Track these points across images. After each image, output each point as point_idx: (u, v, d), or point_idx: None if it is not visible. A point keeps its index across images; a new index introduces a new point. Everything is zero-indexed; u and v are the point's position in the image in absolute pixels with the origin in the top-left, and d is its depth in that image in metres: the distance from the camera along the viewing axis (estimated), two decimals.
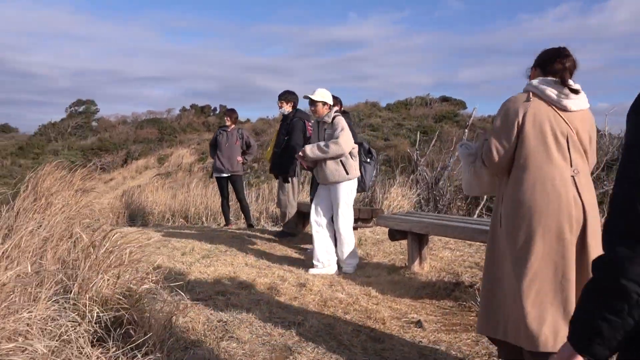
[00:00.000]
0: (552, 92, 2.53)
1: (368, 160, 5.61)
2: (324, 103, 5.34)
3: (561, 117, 2.51)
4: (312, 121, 6.10)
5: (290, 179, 6.81)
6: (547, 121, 2.49)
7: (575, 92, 2.55)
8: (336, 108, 5.46)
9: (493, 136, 2.60)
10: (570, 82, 2.57)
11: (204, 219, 9.91)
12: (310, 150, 5.21)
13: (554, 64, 2.59)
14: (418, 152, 10.85)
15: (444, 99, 36.66)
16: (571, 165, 2.49)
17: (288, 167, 6.75)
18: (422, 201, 10.23)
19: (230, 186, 8.42)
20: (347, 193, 5.33)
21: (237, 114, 8.50)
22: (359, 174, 5.40)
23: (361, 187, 5.52)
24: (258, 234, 7.37)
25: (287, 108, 6.91)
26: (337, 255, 5.33)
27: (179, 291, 3.59)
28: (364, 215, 6.21)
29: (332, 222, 5.41)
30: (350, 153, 5.27)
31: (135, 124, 43.67)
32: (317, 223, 5.36)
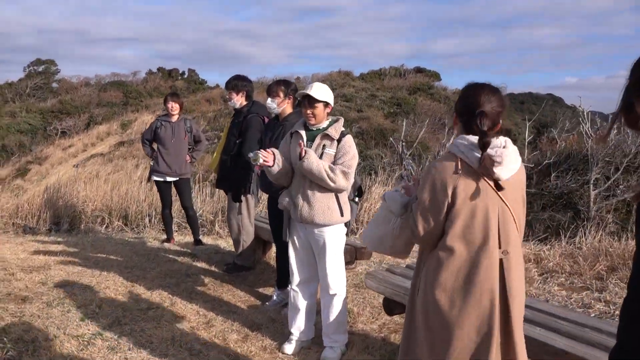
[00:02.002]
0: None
1: (356, 199, 3.79)
2: (326, 104, 3.51)
3: (493, 189, 2.17)
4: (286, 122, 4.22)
5: (243, 196, 4.94)
6: (478, 198, 2.16)
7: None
8: (340, 120, 3.63)
9: (419, 210, 2.22)
10: (496, 141, 2.17)
11: (147, 221, 7.97)
12: (315, 162, 3.37)
13: (475, 119, 2.16)
14: (404, 143, 9.00)
15: (419, 70, 34.82)
16: (500, 247, 2.17)
17: (242, 181, 4.87)
18: None
19: (174, 191, 6.54)
20: (339, 240, 3.56)
21: (183, 101, 6.52)
22: (349, 217, 3.60)
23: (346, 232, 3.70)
24: (204, 265, 5.46)
25: (239, 100, 4.98)
26: (322, 326, 3.59)
27: None
28: (345, 258, 4.37)
29: (315, 279, 3.64)
30: None
31: (98, 86, 40.72)
32: (301, 291, 3.65)
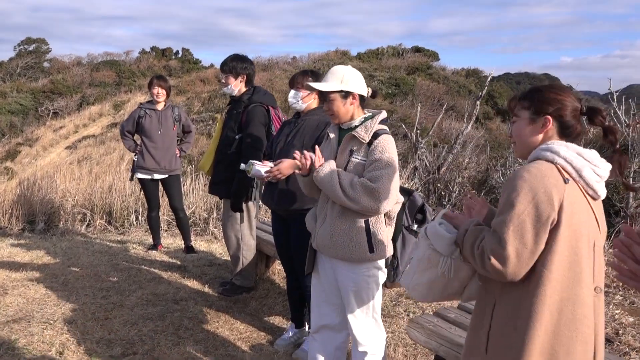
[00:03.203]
0: (590, 173, 1.66)
1: (415, 227, 2.78)
2: (346, 94, 2.49)
3: (592, 210, 1.68)
4: (301, 119, 3.23)
5: (244, 203, 3.95)
6: (584, 218, 1.65)
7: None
8: (377, 115, 2.58)
9: (510, 227, 1.60)
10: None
11: (133, 218, 6.97)
12: (328, 174, 2.41)
13: (604, 135, 1.76)
14: (419, 130, 7.96)
15: (417, 50, 33.56)
16: (594, 281, 1.66)
17: (242, 185, 3.87)
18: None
19: (162, 190, 5.55)
20: (372, 285, 2.56)
21: (170, 85, 5.46)
22: (391, 252, 2.61)
23: (389, 275, 2.71)
24: (196, 284, 4.45)
25: (238, 85, 3.96)
26: None
27: None
28: None
29: (344, 322, 2.66)
30: (386, 213, 2.51)
31: (91, 65, 39.20)
32: (322, 341, 2.71)
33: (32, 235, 6.39)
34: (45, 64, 39.90)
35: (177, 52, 42.26)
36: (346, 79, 2.50)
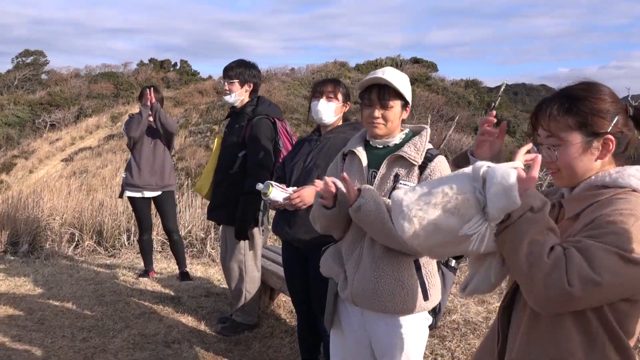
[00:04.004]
0: None
1: (452, 263, 2.23)
2: (405, 103, 2.01)
3: None
4: (321, 137, 2.69)
5: (249, 232, 3.39)
6: None
7: None
8: (423, 131, 2.03)
9: (620, 264, 1.09)
10: None
11: (124, 238, 6.41)
12: (375, 209, 1.83)
13: None
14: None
15: (415, 61, 33.19)
16: None
17: (247, 209, 3.31)
18: None
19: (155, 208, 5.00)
20: (419, 340, 2.02)
21: (163, 96, 4.89)
22: (439, 298, 2.07)
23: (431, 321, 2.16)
24: (191, 320, 3.85)
25: (242, 95, 3.43)
26: None
27: None
28: None
29: None
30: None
31: (88, 77, 38.72)
32: None
33: (14, 259, 5.81)
34: (43, 76, 39.43)
35: (176, 63, 41.89)
36: (408, 87, 1.99)
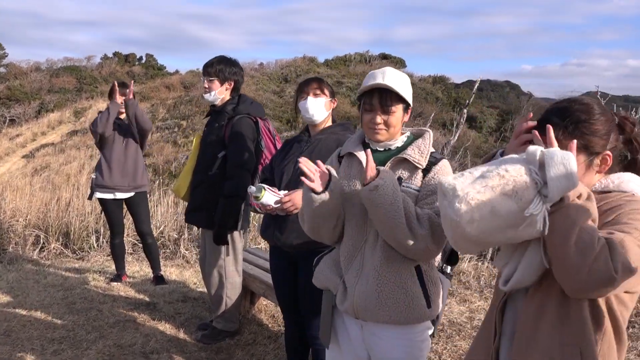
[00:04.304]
0: None
1: (448, 269, 2.14)
2: (407, 106, 1.89)
3: None
4: (311, 137, 2.56)
5: (229, 235, 3.24)
6: None
7: None
8: (426, 134, 1.93)
9: None
10: None
11: (93, 240, 6.15)
12: (392, 192, 1.70)
13: (626, 127, 1.45)
14: None
15: (384, 57, 33.32)
16: None
17: (227, 212, 3.17)
18: None
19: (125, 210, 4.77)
20: (421, 351, 1.90)
21: (133, 91, 4.65)
22: (441, 306, 1.97)
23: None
24: (169, 328, 3.66)
25: (222, 93, 3.28)
26: None
27: None
28: None
29: None
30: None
31: (50, 71, 37.53)
32: None
33: None
34: (1, 70, 38.01)
35: (141, 57, 40.98)
36: (409, 89, 1.88)
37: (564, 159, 1.17)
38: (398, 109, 1.84)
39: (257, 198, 2.24)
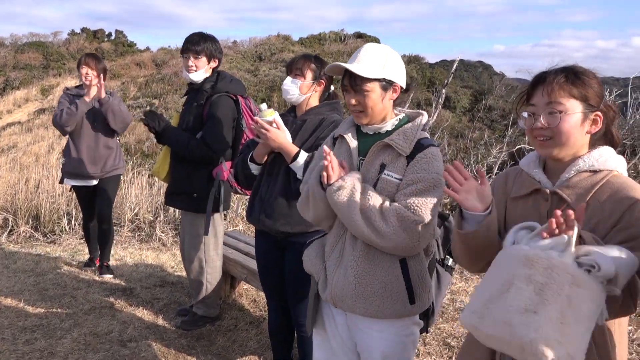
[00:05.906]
0: None
1: (450, 262, 2.07)
2: (387, 84, 1.76)
3: None
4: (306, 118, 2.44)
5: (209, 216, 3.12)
6: None
7: None
8: (419, 117, 1.84)
9: None
10: None
11: (64, 222, 5.94)
12: (347, 195, 1.68)
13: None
14: None
15: (359, 36, 33.02)
16: None
17: (206, 193, 3.05)
18: None
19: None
20: (407, 348, 1.83)
21: (105, 66, 4.32)
22: (432, 299, 1.90)
23: (422, 327, 2.01)
24: (147, 314, 3.53)
25: (208, 71, 3.13)
26: None
27: None
28: None
29: None
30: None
31: (14, 47, 36.13)
32: None
33: None
34: None
35: (110, 34, 39.73)
36: (389, 64, 1.76)
37: (618, 261, 1.16)
38: (372, 88, 1.74)
39: (262, 116, 2.30)
